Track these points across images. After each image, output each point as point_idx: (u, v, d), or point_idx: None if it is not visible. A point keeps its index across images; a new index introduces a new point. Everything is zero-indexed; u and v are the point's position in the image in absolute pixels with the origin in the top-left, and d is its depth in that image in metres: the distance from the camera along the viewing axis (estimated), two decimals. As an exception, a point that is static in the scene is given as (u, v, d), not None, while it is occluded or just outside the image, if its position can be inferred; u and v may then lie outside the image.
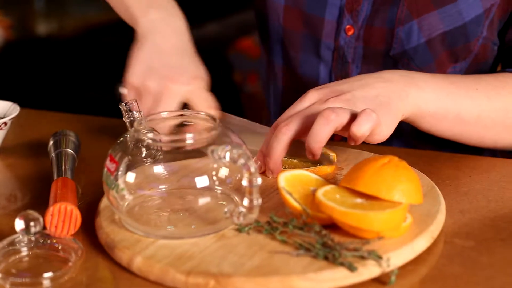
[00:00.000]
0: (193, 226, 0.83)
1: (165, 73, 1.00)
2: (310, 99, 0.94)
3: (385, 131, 0.92)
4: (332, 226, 0.80)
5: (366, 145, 1.07)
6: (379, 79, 0.96)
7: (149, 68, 1.01)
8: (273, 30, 1.24)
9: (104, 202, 0.90)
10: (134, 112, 0.92)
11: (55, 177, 0.94)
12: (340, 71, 1.17)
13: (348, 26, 1.14)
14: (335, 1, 1.14)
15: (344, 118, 0.88)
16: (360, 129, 0.87)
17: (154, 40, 1.04)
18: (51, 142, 1.05)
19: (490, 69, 1.17)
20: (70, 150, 1.02)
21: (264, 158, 0.93)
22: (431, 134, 1.03)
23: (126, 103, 0.93)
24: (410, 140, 1.18)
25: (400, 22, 1.10)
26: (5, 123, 1.10)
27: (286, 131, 0.90)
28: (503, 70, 1.10)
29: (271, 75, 1.30)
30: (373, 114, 0.87)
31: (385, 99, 0.93)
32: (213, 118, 0.87)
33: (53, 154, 1.01)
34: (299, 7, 1.18)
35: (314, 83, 1.20)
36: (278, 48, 1.25)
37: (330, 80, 1.19)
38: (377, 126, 0.88)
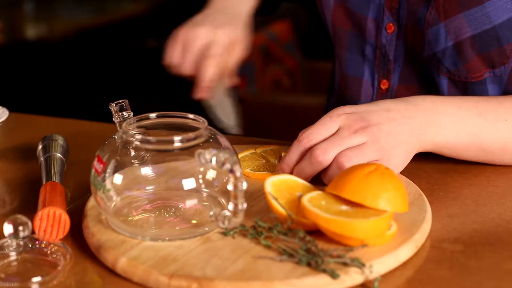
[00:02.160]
0: (177, 228, 0.83)
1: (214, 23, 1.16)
2: (339, 122, 0.95)
3: (396, 166, 0.94)
4: (317, 232, 0.81)
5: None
6: (403, 112, 0.97)
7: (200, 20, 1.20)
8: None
9: (91, 202, 0.90)
10: (124, 113, 0.92)
11: (44, 181, 0.95)
12: (383, 70, 1.17)
13: (388, 24, 1.15)
14: None
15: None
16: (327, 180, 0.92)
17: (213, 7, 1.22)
18: (40, 146, 1.05)
19: None
20: (59, 155, 1.02)
21: (290, 171, 0.95)
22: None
23: (116, 103, 0.93)
24: None
25: (429, 24, 1.09)
26: (-7, 127, 1.10)
27: (322, 161, 0.92)
28: None
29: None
30: (344, 165, 0.90)
31: (405, 138, 0.95)
32: (202, 121, 0.87)
33: (42, 158, 1.02)
34: (345, 4, 1.20)
35: (358, 82, 1.22)
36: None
37: (373, 80, 1.20)
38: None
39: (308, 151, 0.94)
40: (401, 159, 0.95)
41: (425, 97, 1.01)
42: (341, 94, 1.28)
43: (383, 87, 1.18)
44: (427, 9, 1.09)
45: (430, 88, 1.14)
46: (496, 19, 1.05)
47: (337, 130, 0.94)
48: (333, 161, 0.91)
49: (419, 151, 0.99)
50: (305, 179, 0.91)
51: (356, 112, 0.96)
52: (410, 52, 1.15)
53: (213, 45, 1.15)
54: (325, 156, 0.91)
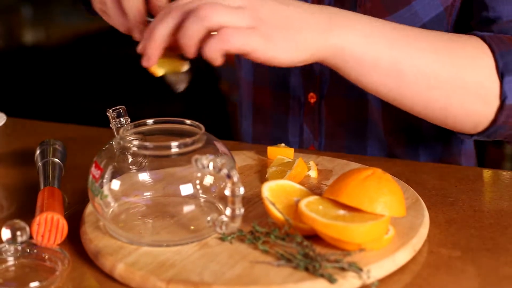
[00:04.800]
0: (175, 234, 0.83)
1: None
2: None
3: (278, 55, 0.81)
4: (314, 237, 0.81)
5: (353, 156, 1.09)
6: (309, 7, 0.83)
7: None
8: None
9: (89, 208, 0.90)
10: (121, 119, 0.93)
11: (41, 186, 0.95)
12: (309, 81, 1.16)
13: None
14: None
15: (219, 21, 0.78)
16: (208, 52, 0.78)
17: None
18: (37, 152, 1.05)
19: None
20: (56, 160, 1.02)
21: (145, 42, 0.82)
22: (363, 87, 0.89)
23: (113, 110, 0.93)
24: (386, 145, 1.18)
25: None
26: (-9, 132, 1.10)
27: (171, 19, 0.79)
28: (469, 32, 0.97)
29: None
30: (231, 38, 0.77)
31: (295, 26, 0.81)
32: (199, 127, 0.87)
33: (39, 164, 1.02)
34: None
35: (285, 94, 1.20)
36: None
37: (300, 92, 1.18)
38: (241, 49, 0.79)
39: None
40: (286, 45, 0.80)
41: (336, 8, 0.87)
42: None
43: (312, 100, 1.17)
44: None
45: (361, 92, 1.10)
46: (425, 17, 1.05)
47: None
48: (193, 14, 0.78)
49: (314, 57, 0.83)
50: (157, 42, 0.81)
51: None
52: None
53: None
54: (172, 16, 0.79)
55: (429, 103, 0.90)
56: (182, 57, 0.87)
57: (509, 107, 0.91)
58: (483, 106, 0.92)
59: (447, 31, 1.07)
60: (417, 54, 0.87)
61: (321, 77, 1.15)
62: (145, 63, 0.82)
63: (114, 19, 0.94)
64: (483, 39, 0.93)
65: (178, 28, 0.80)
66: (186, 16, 0.79)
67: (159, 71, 0.86)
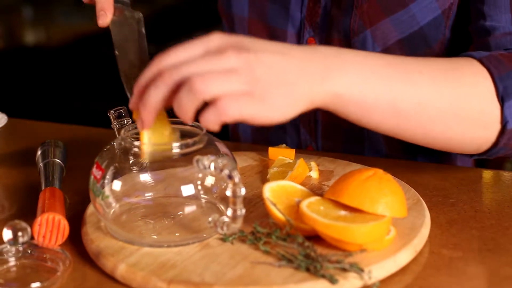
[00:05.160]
0: (176, 234, 0.84)
1: None
2: (209, 44, 0.77)
3: (276, 115, 0.78)
4: (315, 237, 0.81)
5: (354, 156, 1.09)
6: (296, 52, 0.80)
7: None
8: None
9: (90, 209, 0.90)
10: (123, 120, 0.93)
11: (43, 187, 0.95)
12: None
13: (309, 38, 1.14)
14: (296, 13, 1.14)
15: (214, 92, 0.74)
16: (205, 123, 0.76)
17: None
18: (39, 152, 1.05)
19: None
20: (58, 160, 1.02)
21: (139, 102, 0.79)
22: (364, 126, 0.88)
23: (114, 110, 0.93)
24: (384, 148, 1.18)
25: (354, 33, 1.09)
26: (-8, 133, 1.10)
27: (166, 78, 0.76)
28: (465, 54, 0.96)
29: None
30: (227, 110, 0.74)
31: (292, 79, 0.78)
32: (200, 127, 0.87)
33: (41, 164, 1.02)
34: (263, 20, 1.17)
35: None
36: None
37: None
38: (242, 116, 0.76)
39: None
40: (282, 102, 0.77)
41: (328, 46, 0.84)
42: None
43: None
44: (350, 18, 1.08)
45: None
46: (422, 20, 1.05)
47: (204, 53, 0.77)
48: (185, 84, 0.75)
49: (313, 105, 0.81)
50: (151, 109, 0.77)
51: (235, 37, 0.79)
52: None
53: None
54: (170, 73, 0.76)
55: (430, 134, 0.90)
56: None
57: (510, 131, 0.92)
58: (484, 131, 0.92)
59: (444, 34, 1.07)
60: (415, 89, 0.85)
61: None
62: (139, 127, 0.80)
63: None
64: (481, 62, 0.92)
65: (172, 92, 0.77)
66: (179, 84, 0.76)
67: (147, 146, 0.84)
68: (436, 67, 0.88)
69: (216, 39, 0.77)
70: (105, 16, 0.84)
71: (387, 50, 1.07)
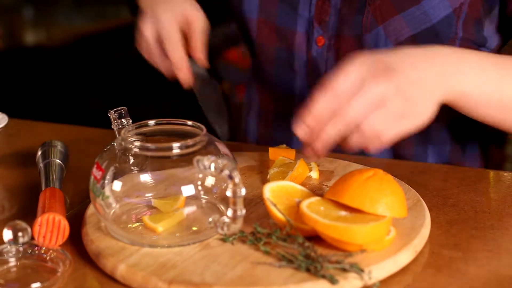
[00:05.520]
0: (177, 235, 0.84)
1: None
2: (356, 74, 0.86)
3: (422, 122, 0.89)
4: (316, 238, 0.81)
5: (354, 156, 1.08)
6: (424, 58, 0.91)
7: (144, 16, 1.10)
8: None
9: (90, 209, 0.90)
10: (123, 120, 0.93)
11: (43, 187, 0.95)
12: (315, 84, 1.17)
13: (318, 37, 1.14)
14: (305, 13, 1.15)
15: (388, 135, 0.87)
16: (369, 151, 0.88)
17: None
18: (39, 152, 1.05)
19: None
20: (58, 160, 1.02)
21: (311, 132, 0.88)
22: (470, 117, 0.99)
23: (115, 111, 0.93)
24: (392, 147, 1.18)
25: (367, 29, 1.10)
26: (-7, 133, 1.10)
27: (338, 129, 0.86)
28: None
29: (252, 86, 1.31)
30: (388, 139, 0.86)
31: (430, 87, 0.89)
32: (201, 128, 0.87)
33: (41, 164, 1.02)
34: (272, 20, 1.18)
35: (290, 97, 1.20)
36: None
37: (305, 94, 1.18)
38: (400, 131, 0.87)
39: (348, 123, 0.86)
40: (427, 110, 0.89)
41: (440, 46, 0.95)
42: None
43: None
44: (362, 14, 1.09)
45: None
46: (434, 17, 1.06)
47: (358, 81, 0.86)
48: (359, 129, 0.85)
49: (442, 102, 0.92)
50: (328, 144, 0.87)
51: (372, 57, 0.88)
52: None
53: (162, 34, 1.08)
54: (347, 111, 0.85)
55: None
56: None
57: None
58: None
59: (456, 33, 1.08)
60: None
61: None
62: (313, 156, 0.89)
63: (158, 61, 1.05)
64: None
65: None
66: (352, 127, 0.85)
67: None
68: None
69: (360, 66, 0.86)
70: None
71: (399, 45, 1.07)
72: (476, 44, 1.11)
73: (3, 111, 1.16)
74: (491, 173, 1.05)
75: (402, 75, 0.86)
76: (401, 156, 1.18)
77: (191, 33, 1.08)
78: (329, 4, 1.12)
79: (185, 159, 0.83)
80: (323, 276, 0.75)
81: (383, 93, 0.85)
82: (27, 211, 0.96)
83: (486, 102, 0.95)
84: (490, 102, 0.95)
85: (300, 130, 0.87)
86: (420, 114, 0.88)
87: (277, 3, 1.17)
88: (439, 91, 0.90)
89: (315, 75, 1.17)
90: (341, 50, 1.13)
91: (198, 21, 1.09)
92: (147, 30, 1.08)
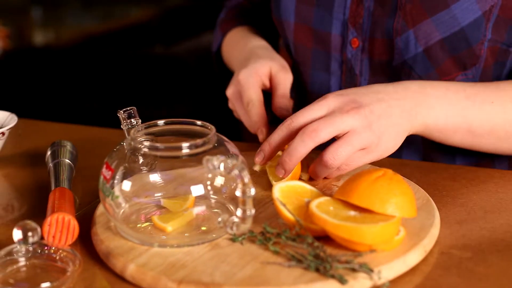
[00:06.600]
0: (186, 235, 0.84)
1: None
2: (329, 105, 0.94)
3: (387, 153, 0.95)
4: (325, 238, 0.81)
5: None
6: (393, 94, 0.97)
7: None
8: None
9: (100, 209, 0.90)
10: (132, 120, 0.93)
11: (52, 187, 0.95)
12: (349, 84, 1.19)
13: (353, 39, 1.17)
14: (339, 15, 1.17)
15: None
16: (325, 176, 0.97)
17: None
18: (48, 152, 1.06)
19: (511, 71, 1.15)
20: (67, 160, 1.02)
21: (271, 151, 0.95)
22: (447, 145, 1.05)
23: (124, 111, 0.93)
24: (421, 149, 1.19)
25: (397, 32, 1.11)
26: (2, 133, 1.10)
27: (314, 137, 0.90)
28: None
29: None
30: (350, 167, 0.94)
31: (396, 120, 0.95)
32: (210, 127, 0.87)
33: (50, 164, 1.02)
34: (308, 24, 1.21)
35: None
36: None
37: None
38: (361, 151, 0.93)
39: (298, 132, 0.92)
40: (392, 142, 0.95)
41: (412, 81, 1.01)
42: None
43: None
44: (394, 18, 1.11)
45: None
46: (464, 21, 1.07)
47: (327, 113, 0.93)
48: (321, 159, 0.91)
49: (409, 134, 0.99)
50: (296, 160, 0.91)
51: (345, 95, 0.95)
52: (377, 65, 1.16)
53: (243, 95, 1.11)
54: (317, 133, 0.90)
55: (499, 149, 1.06)
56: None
57: None
58: None
59: (485, 35, 1.09)
60: (488, 118, 1.02)
61: (357, 80, 1.19)
62: (280, 174, 0.93)
63: (243, 120, 1.12)
64: None
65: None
66: (338, 135, 0.92)
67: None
68: (507, 95, 1.03)
69: (332, 101, 0.94)
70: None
71: (429, 49, 1.10)
72: (506, 45, 1.11)
73: (13, 111, 1.16)
74: (501, 173, 1.05)
75: (368, 109, 0.93)
76: (431, 159, 1.18)
77: (275, 92, 1.13)
78: (363, 7, 1.14)
79: (195, 159, 0.84)
80: (333, 276, 0.75)
81: (350, 126, 0.91)
82: (36, 211, 0.96)
83: (452, 132, 1.01)
84: (457, 132, 1.02)
85: (258, 158, 0.96)
86: (385, 148, 0.94)
87: (313, 7, 1.20)
88: (405, 124, 0.96)
89: (350, 77, 1.19)
90: (374, 52, 1.15)
91: (278, 70, 1.14)
92: (228, 91, 1.15)
